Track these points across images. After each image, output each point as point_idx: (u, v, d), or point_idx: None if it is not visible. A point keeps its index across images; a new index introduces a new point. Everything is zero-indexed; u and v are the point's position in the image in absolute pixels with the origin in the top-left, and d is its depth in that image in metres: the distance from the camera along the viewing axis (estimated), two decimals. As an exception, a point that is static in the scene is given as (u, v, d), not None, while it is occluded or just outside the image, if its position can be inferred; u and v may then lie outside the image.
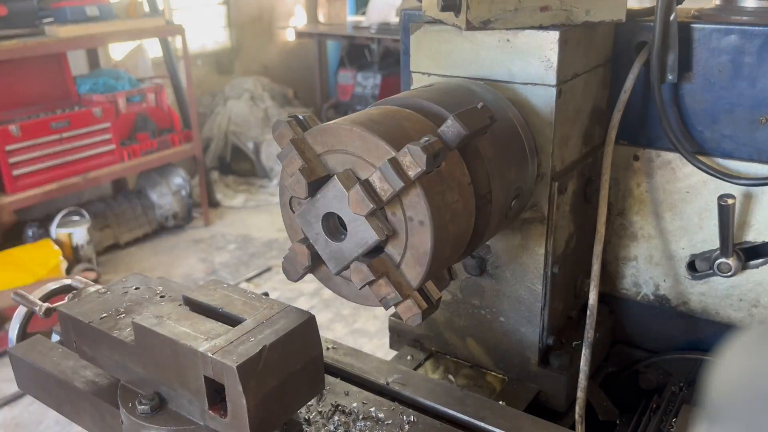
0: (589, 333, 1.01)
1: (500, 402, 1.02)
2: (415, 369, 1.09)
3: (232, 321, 0.75)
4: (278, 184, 0.78)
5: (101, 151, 4.39)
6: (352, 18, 6.86)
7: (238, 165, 6.11)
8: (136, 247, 4.80)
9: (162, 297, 0.87)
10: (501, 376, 1.07)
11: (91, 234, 4.17)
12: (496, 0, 0.85)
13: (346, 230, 0.71)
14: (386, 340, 1.20)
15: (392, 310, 0.75)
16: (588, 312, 1.02)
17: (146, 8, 4.77)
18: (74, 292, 1.00)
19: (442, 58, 0.97)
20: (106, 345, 0.81)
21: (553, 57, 0.88)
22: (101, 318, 0.83)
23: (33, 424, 3.01)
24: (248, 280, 4.41)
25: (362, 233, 0.70)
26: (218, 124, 5.98)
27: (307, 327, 0.75)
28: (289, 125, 0.73)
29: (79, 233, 4.01)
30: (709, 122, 1.03)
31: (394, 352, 1.17)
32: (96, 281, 3.67)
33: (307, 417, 0.86)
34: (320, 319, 3.79)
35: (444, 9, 0.85)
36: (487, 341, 1.07)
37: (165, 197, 4.98)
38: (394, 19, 5.94)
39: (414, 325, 0.73)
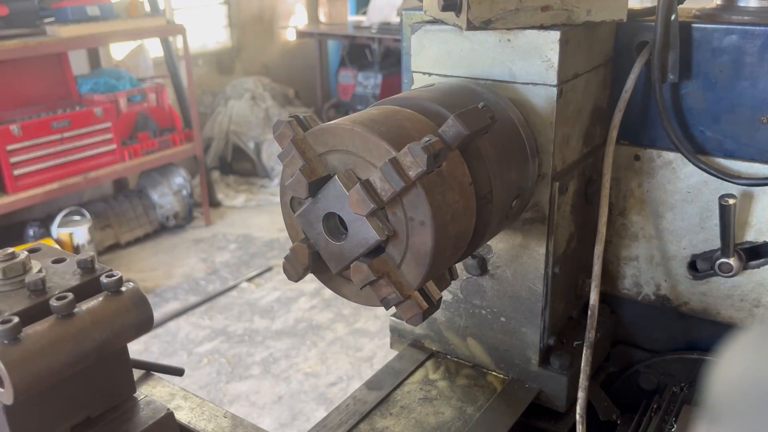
0: (590, 333, 1.01)
1: (502, 402, 1.02)
2: (416, 369, 1.10)
3: None
4: (279, 184, 0.78)
5: (102, 151, 4.40)
6: (353, 18, 6.86)
7: (239, 165, 6.11)
8: (137, 247, 4.81)
9: None
10: (502, 376, 1.07)
11: (92, 234, 4.18)
12: (496, 0, 0.85)
13: (346, 230, 0.71)
14: (387, 339, 1.20)
15: (393, 310, 0.75)
16: (589, 312, 1.02)
17: (147, 8, 4.77)
18: None
19: (443, 58, 0.97)
20: None
21: (554, 57, 0.88)
22: None
23: None
24: (249, 280, 4.42)
25: (363, 233, 0.70)
26: (219, 124, 5.99)
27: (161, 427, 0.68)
28: (290, 125, 0.73)
29: (80, 233, 4.02)
30: (710, 122, 1.02)
31: (395, 352, 1.17)
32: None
33: None
34: (321, 319, 3.80)
35: (445, 9, 0.85)
36: (487, 341, 1.07)
37: (166, 197, 4.99)
38: (395, 19, 5.94)
39: (415, 325, 0.73)
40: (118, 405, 0.70)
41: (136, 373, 0.84)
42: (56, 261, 0.69)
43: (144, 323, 0.65)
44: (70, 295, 0.60)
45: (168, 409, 0.71)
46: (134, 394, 0.72)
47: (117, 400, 0.70)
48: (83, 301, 0.62)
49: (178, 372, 1.03)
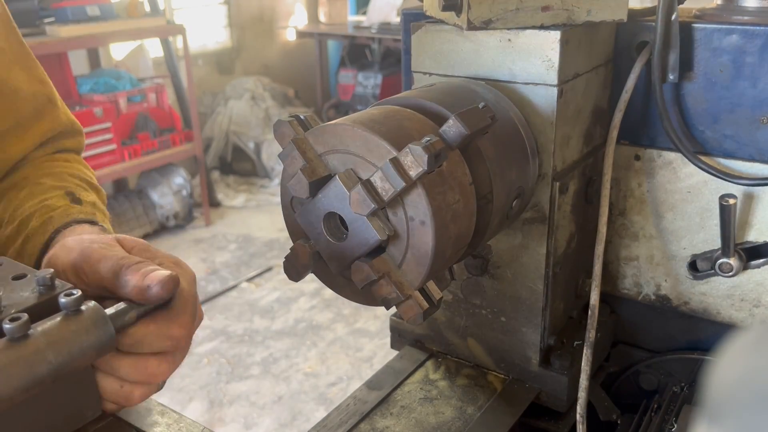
0: (590, 333, 1.01)
1: (502, 402, 1.02)
2: (416, 369, 1.10)
3: None
4: (279, 184, 0.78)
5: (102, 151, 4.39)
6: (353, 18, 6.87)
7: (239, 165, 6.12)
8: (137, 247, 4.80)
9: None
10: (502, 376, 1.07)
11: (92, 234, 4.17)
12: (497, 0, 0.85)
13: (347, 230, 0.72)
14: (387, 339, 1.20)
15: (393, 309, 0.75)
16: (589, 312, 1.02)
17: (147, 8, 4.77)
18: None
19: (443, 58, 0.97)
20: None
21: (555, 57, 0.88)
22: None
23: None
24: (249, 280, 4.42)
25: (363, 233, 0.70)
26: (219, 124, 5.99)
27: None
28: (290, 125, 0.73)
29: (80, 233, 4.01)
30: (711, 122, 1.03)
31: (395, 352, 1.17)
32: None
33: None
34: (321, 319, 3.81)
35: (445, 9, 0.85)
36: (488, 341, 1.07)
37: (166, 197, 4.99)
38: (395, 19, 5.95)
39: (415, 325, 0.73)
40: (81, 428, 0.66)
41: None
42: (16, 277, 0.65)
43: (105, 344, 0.62)
44: (24, 316, 0.56)
45: (136, 430, 0.69)
46: (99, 415, 0.69)
47: (80, 423, 0.67)
48: (39, 321, 0.58)
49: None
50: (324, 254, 0.75)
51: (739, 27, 0.97)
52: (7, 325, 0.55)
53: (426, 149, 0.64)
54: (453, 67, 0.97)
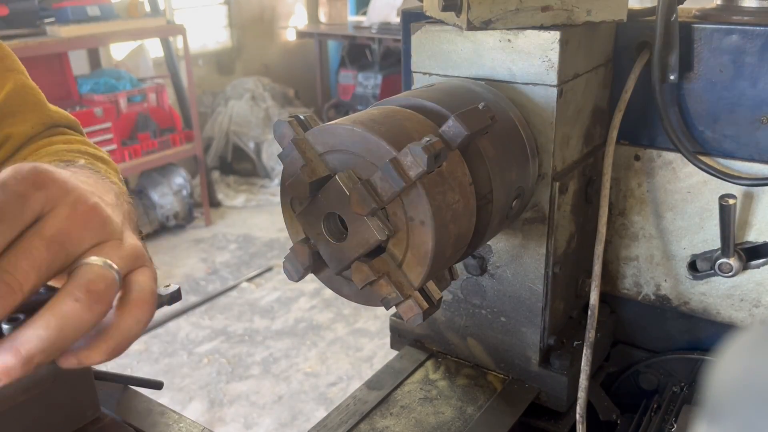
0: (590, 333, 1.01)
1: (502, 402, 1.02)
2: (416, 369, 1.10)
3: None
4: (279, 184, 0.78)
5: (102, 151, 4.37)
6: (353, 18, 6.87)
7: (239, 165, 6.12)
8: (137, 247, 4.80)
9: None
10: (502, 376, 1.07)
11: (93, 234, 4.17)
12: (497, 0, 0.86)
13: (347, 230, 0.72)
14: (387, 340, 1.20)
15: (393, 310, 0.75)
16: (589, 312, 1.02)
17: (147, 8, 4.77)
18: None
19: (443, 58, 0.97)
20: None
21: (554, 57, 0.88)
22: None
23: None
24: (249, 280, 4.42)
25: (363, 233, 0.70)
26: (219, 124, 5.99)
27: None
28: (290, 125, 0.73)
29: (81, 233, 4.01)
30: (710, 122, 1.03)
31: (395, 352, 1.17)
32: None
33: None
34: (321, 319, 3.81)
35: (445, 9, 0.85)
36: (487, 341, 1.07)
37: (166, 197, 4.99)
38: (395, 19, 5.95)
39: (415, 325, 0.73)
40: (80, 429, 0.67)
41: (114, 388, 0.80)
42: None
43: None
44: (23, 317, 0.55)
45: (136, 430, 0.70)
46: (98, 415, 0.69)
47: (79, 424, 0.67)
48: None
49: (157, 385, 0.98)
50: (324, 254, 0.75)
51: (739, 27, 0.97)
52: (5, 326, 0.55)
53: (426, 149, 0.64)
54: (453, 67, 0.97)
